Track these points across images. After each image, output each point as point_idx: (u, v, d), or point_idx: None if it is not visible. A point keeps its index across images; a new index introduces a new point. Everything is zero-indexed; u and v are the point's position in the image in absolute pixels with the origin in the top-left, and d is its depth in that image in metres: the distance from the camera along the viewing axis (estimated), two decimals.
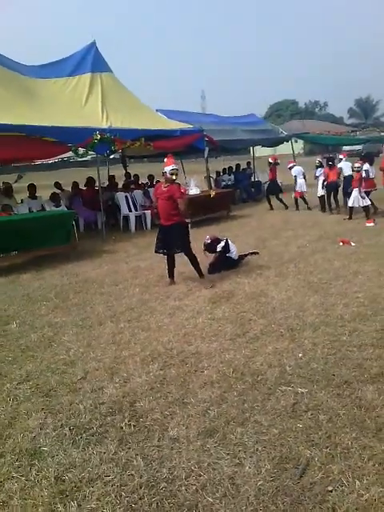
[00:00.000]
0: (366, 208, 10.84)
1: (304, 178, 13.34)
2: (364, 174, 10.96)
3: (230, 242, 7.20)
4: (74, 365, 4.06)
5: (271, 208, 13.77)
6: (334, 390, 3.35)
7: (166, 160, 6.35)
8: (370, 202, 10.94)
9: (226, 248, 7.10)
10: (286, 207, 13.61)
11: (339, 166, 12.47)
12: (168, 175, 6.19)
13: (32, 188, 10.97)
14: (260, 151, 45.05)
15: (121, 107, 11.73)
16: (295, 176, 13.31)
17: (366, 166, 11.51)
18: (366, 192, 10.88)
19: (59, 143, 9.35)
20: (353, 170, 11.23)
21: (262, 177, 19.53)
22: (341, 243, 8.29)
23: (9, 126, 8.27)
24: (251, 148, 21.45)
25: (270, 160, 14.27)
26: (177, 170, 6.28)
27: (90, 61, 12.23)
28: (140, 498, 2.41)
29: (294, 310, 5.04)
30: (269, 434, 2.88)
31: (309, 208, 13.22)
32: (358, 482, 2.40)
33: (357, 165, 10.92)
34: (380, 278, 6.01)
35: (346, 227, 10.10)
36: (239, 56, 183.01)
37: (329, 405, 3.14)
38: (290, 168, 13.64)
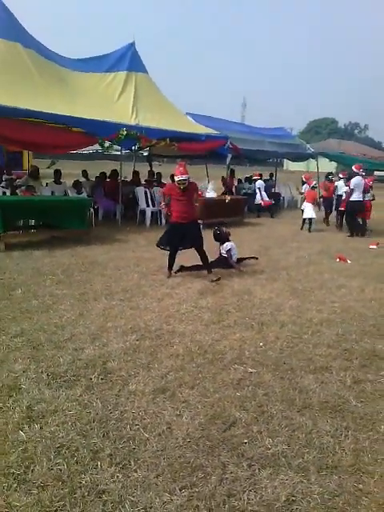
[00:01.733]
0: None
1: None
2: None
3: (233, 247, 7.71)
4: (64, 328, 4.63)
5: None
6: (280, 374, 3.83)
7: (177, 166, 6.80)
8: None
9: (229, 253, 7.62)
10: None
11: (336, 183, 13.04)
12: (177, 184, 6.69)
13: (57, 173, 11.68)
14: (292, 166, 45.28)
15: (151, 107, 12.36)
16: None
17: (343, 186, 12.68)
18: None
19: (86, 134, 10.00)
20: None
21: (284, 190, 20.03)
22: (338, 259, 8.69)
23: (38, 113, 8.95)
24: (277, 160, 21.91)
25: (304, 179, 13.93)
26: (185, 181, 6.64)
27: (128, 60, 12.91)
28: (91, 428, 2.94)
29: (271, 309, 5.51)
30: (211, 397, 3.38)
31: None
32: (269, 440, 2.89)
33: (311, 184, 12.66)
34: (360, 294, 6.41)
35: (349, 246, 10.46)
36: (286, 68, 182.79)
37: (269, 384, 3.63)
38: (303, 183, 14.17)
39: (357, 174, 12.02)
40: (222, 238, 7.77)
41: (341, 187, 13.27)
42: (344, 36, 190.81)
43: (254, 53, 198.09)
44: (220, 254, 7.77)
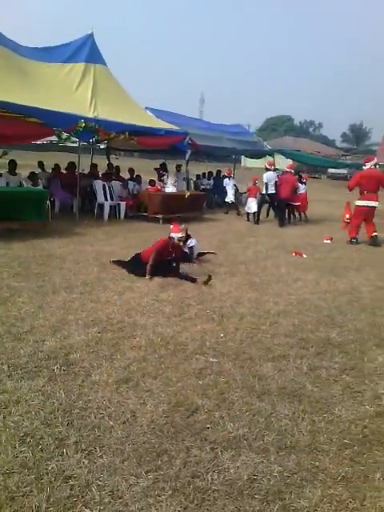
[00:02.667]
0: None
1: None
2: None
3: (196, 243, 7.80)
4: (23, 320, 4.57)
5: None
6: (240, 363, 3.96)
7: (172, 226, 6.95)
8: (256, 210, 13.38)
9: (192, 249, 7.71)
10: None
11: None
12: (176, 241, 6.77)
13: (12, 164, 11.36)
14: (250, 163, 45.88)
15: (110, 99, 12.22)
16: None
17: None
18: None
19: (44, 125, 9.80)
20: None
21: (241, 186, 20.33)
22: (294, 253, 8.97)
23: None
24: (236, 157, 22.23)
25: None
26: (183, 237, 6.91)
27: (86, 51, 12.67)
28: (55, 418, 2.95)
29: (230, 302, 5.65)
30: (174, 386, 3.46)
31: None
32: (230, 424, 3.00)
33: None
34: (316, 286, 6.67)
35: (305, 241, 10.79)
36: (243, 65, 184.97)
37: (230, 372, 3.75)
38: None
39: (269, 170, 13.47)
40: (187, 238, 7.80)
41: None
42: (302, 36, 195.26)
43: (211, 48, 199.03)
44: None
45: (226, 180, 16.47)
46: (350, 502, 2.43)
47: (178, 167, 14.60)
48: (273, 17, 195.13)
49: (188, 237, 7.78)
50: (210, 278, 6.40)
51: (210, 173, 18.35)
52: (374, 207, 10.82)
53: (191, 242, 7.74)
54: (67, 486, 2.35)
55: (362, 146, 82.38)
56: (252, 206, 13.62)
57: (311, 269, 7.78)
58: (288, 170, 13.83)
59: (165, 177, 14.11)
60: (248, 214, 13.84)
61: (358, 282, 7.03)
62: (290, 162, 18.52)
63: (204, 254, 8.24)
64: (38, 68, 11.58)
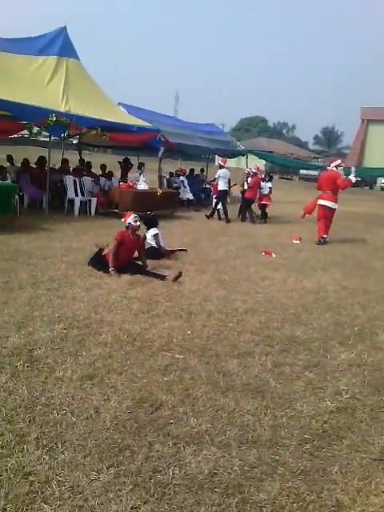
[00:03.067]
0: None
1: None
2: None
3: (160, 234, 7.82)
4: None
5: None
6: (206, 359, 3.99)
7: (125, 215, 6.95)
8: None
9: (157, 238, 7.71)
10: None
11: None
12: (132, 224, 6.73)
13: None
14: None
15: (82, 94, 12.07)
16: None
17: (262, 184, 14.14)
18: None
19: (14, 120, 9.61)
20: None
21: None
22: (263, 253, 9.08)
23: None
24: (208, 156, 22.33)
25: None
26: (138, 218, 6.84)
27: (59, 44, 12.48)
28: (17, 414, 2.91)
29: (199, 299, 5.68)
30: (139, 382, 3.47)
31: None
32: (194, 420, 3.03)
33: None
34: (283, 285, 6.78)
35: (275, 241, 10.91)
36: (220, 65, 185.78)
37: (196, 368, 3.78)
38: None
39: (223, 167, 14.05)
40: (151, 222, 7.84)
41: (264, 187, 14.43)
42: (277, 37, 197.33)
43: (187, 47, 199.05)
44: (146, 243, 7.80)
45: (182, 177, 16.70)
46: (308, 494, 2.49)
47: (141, 165, 14.57)
48: (255, 17, 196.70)
49: (154, 225, 7.80)
50: (179, 274, 6.41)
51: (183, 171, 18.27)
52: (330, 207, 11.20)
53: (155, 231, 7.74)
54: (27, 482, 2.32)
55: (334, 148, 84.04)
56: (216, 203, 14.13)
57: (279, 268, 7.90)
58: (254, 171, 14.13)
59: (137, 173, 14.05)
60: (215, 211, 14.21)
61: (325, 281, 7.18)
62: (262, 162, 18.76)
63: (174, 251, 8.26)
64: (8, 59, 11.33)
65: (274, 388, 3.60)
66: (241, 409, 3.24)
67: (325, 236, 11.08)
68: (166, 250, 7.91)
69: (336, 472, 2.69)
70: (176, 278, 6.33)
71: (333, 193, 11.18)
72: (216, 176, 13.99)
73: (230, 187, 14.63)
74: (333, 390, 3.67)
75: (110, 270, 6.40)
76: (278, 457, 2.77)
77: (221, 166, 14.20)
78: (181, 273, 6.44)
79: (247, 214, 14.03)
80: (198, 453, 2.71)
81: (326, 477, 2.65)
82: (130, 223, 6.76)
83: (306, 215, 12.17)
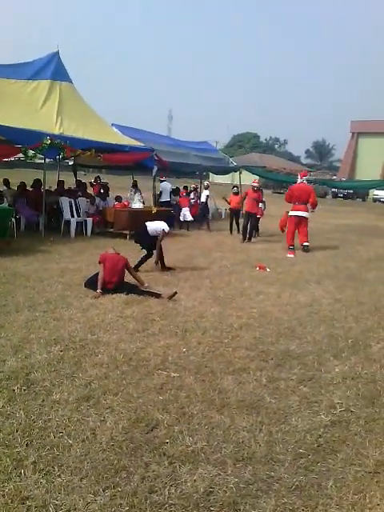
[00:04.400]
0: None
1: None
2: None
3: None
4: None
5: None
6: (201, 376, 4.03)
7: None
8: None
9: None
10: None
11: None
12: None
13: None
14: (217, 178, 46.42)
15: (76, 116, 12.27)
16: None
17: None
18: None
19: (9, 144, 9.74)
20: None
21: (209, 202, 20.58)
22: (258, 268, 9.16)
23: None
24: (202, 173, 22.53)
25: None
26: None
27: (52, 68, 12.71)
28: (14, 438, 2.94)
29: (194, 316, 5.73)
30: (135, 402, 3.50)
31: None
32: (189, 438, 3.06)
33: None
34: (277, 299, 6.84)
35: (269, 255, 11.00)
36: (212, 83, 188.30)
37: (191, 386, 3.82)
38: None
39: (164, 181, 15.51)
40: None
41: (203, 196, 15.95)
42: (268, 53, 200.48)
43: (179, 66, 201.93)
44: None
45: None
46: (303, 510, 2.52)
47: (135, 184, 14.85)
48: (246, 34, 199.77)
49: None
50: (174, 293, 6.47)
51: (177, 189, 18.41)
52: (304, 217, 11.84)
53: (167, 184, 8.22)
54: (24, 507, 2.35)
55: (326, 162, 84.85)
56: (187, 215, 15.01)
57: (274, 282, 7.96)
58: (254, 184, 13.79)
59: (131, 193, 14.19)
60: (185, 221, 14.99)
61: (319, 294, 7.24)
62: (255, 177, 18.92)
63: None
64: (1, 84, 11.53)
65: (269, 403, 3.64)
66: (236, 426, 3.28)
67: (293, 245, 11.54)
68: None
69: (331, 486, 2.72)
70: (171, 297, 6.39)
71: (305, 204, 11.91)
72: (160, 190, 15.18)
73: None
74: (327, 404, 3.71)
75: (97, 290, 6.44)
76: (273, 473, 2.80)
77: (161, 181, 15.46)
78: (176, 292, 6.50)
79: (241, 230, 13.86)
80: (194, 471, 2.74)
81: (320, 491, 2.68)
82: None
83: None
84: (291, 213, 11.94)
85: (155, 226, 8.29)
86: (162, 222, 8.38)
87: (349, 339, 5.22)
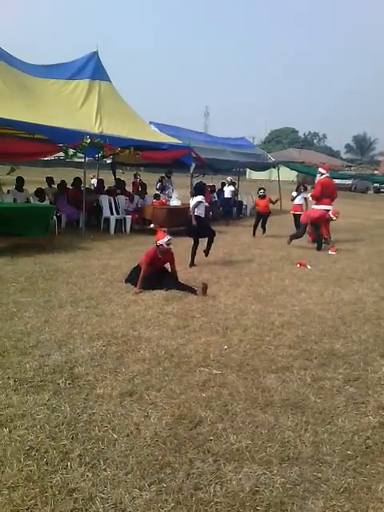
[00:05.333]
0: None
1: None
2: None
3: (203, 202, 8.48)
4: (29, 335, 4.63)
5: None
6: (243, 374, 3.98)
7: (156, 235, 6.89)
8: None
9: (198, 206, 8.31)
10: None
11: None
12: (165, 246, 6.65)
13: (20, 181, 11.54)
14: (255, 175, 46.00)
15: (115, 115, 12.44)
16: None
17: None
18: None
19: (50, 142, 9.97)
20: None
21: (246, 198, 20.45)
22: (298, 265, 8.99)
23: (1, 120, 8.85)
24: (240, 169, 22.38)
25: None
26: (170, 240, 6.79)
27: (91, 68, 12.95)
28: (60, 431, 2.99)
29: (235, 314, 5.68)
30: (178, 398, 3.49)
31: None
32: (233, 436, 3.02)
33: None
34: (320, 297, 6.68)
35: (309, 253, 10.78)
36: (248, 79, 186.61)
37: (234, 384, 3.77)
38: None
39: None
40: (198, 190, 8.48)
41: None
42: (305, 48, 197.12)
43: (216, 62, 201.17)
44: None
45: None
46: None
47: (167, 176, 15.07)
48: (273, 26, 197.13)
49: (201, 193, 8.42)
50: (205, 287, 6.45)
51: (214, 186, 18.28)
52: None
53: (199, 198, 8.23)
54: (71, 499, 2.38)
55: (367, 156, 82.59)
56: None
57: (315, 280, 7.79)
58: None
59: (170, 190, 14.25)
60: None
61: (362, 292, 7.03)
62: (294, 173, 18.66)
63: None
64: (43, 85, 11.82)
65: (314, 403, 3.55)
66: (281, 425, 3.21)
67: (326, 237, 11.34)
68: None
69: (382, 489, 2.62)
70: (204, 291, 6.40)
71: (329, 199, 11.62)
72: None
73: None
74: (375, 405, 3.58)
75: (136, 290, 6.45)
76: (320, 474, 2.72)
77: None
78: (206, 285, 6.49)
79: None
80: (239, 470, 2.70)
81: (370, 495, 2.58)
82: (161, 244, 6.64)
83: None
84: (325, 207, 11.36)
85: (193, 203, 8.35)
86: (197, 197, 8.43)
87: None
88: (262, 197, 12.96)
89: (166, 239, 6.68)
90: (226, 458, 2.81)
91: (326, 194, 11.56)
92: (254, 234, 13.13)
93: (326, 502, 2.50)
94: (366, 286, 7.46)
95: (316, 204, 11.65)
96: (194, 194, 8.56)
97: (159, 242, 6.66)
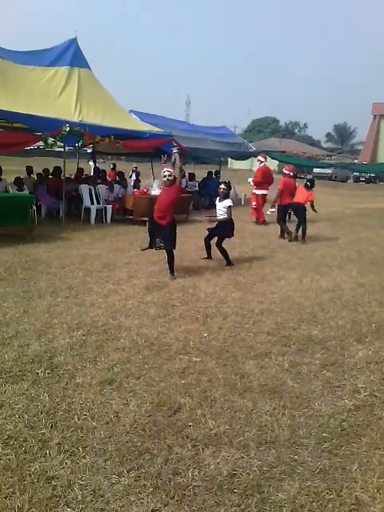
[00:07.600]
0: None
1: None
2: None
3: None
4: (8, 325, 4.59)
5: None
6: (223, 361, 4.03)
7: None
8: None
9: (230, 210, 7.90)
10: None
11: None
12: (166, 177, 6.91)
13: None
14: (236, 164, 45.93)
15: (94, 103, 12.26)
16: None
17: None
18: None
19: (29, 132, 9.79)
20: None
21: (238, 188, 20.37)
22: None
23: None
24: (221, 159, 22.35)
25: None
26: (171, 173, 6.97)
27: (70, 55, 12.69)
28: (39, 420, 2.99)
29: (215, 302, 5.71)
30: (157, 386, 3.52)
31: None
32: (212, 422, 3.06)
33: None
34: (299, 285, 6.77)
35: (288, 243, 10.84)
36: (229, 67, 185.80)
37: (213, 371, 3.82)
38: None
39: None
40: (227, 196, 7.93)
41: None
42: (285, 36, 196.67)
43: (197, 52, 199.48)
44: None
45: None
46: (327, 493, 2.50)
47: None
48: (252, 15, 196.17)
49: (226, 196, 7.89)
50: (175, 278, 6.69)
51: (193, 175, 18.13)
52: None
53: (229, 203, 7.82)
54: (49, 487, 2.39)
55: (347, 145, 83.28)
56: None
57: (295, 267, 7.88)
58: (286, 172, 11.88)
59: (151, 180, 14.17)
60: None
61: (341, 279, 7.14)
62: (275, 162, 18.73)
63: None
64: (21, 72, 11.55)
65: (292, 388, 3.61)
66: (258, 410, 3.26)
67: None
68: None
69: (355, 470, 2.69)
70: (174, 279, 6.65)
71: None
72: None
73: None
74: (351, 388, 3.66)
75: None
76: (296, 456, 2.78)
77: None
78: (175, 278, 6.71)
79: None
80: (217, 454, 2.74)
81: (345, 475, 2.65)
82: (164, 176, 6.97)
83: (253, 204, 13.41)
84: (264, 192, 13.29)
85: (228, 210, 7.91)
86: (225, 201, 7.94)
87: (372, 324, 5.14)
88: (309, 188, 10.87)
89: (165, 170, 7.00)
90: (205, 443, 2.85)
91: (266, 180, 13.42)
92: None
93: (301, 482, 2.56)
94: (344, 273, 7.58)
95: (256, 189, 13.33)
96: (223, 197, 7.90)
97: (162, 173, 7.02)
